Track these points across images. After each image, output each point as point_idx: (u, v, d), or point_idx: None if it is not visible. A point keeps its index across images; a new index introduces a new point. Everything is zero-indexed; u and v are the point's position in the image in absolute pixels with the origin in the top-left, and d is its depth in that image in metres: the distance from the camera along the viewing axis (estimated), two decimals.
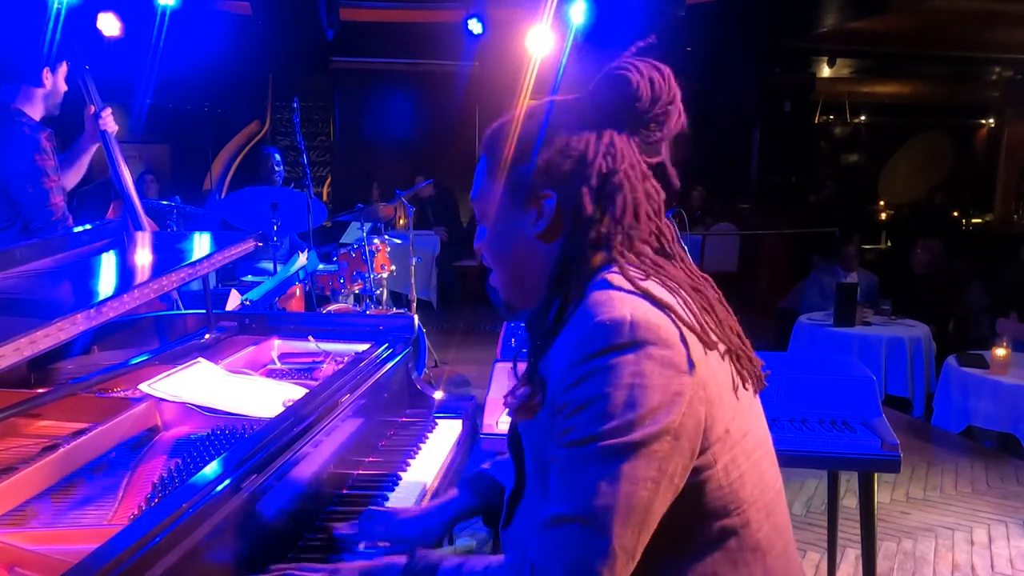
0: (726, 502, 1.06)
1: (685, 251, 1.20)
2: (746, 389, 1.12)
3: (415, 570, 1.12)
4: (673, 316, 1.04)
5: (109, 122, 3.03)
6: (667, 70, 1.13)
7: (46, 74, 2.87)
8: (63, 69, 2.93)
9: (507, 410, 1.17)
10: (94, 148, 3.11)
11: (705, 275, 1.19)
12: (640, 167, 1.13)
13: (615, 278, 1.07)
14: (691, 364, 1.01)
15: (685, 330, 1.04)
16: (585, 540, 0.98)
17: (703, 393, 1.02)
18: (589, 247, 1.10)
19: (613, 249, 1.10)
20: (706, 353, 1.05)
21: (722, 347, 1.09)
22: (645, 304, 1.03)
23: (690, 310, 1.08)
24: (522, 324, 1.20)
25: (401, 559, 1.16)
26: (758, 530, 1.09)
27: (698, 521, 1.06)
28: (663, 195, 1.17)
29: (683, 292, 1.10)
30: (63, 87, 2.96)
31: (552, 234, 1.14)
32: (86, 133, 3.05)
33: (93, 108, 3.00)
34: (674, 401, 0.99)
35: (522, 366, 1.17)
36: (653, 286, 1.07)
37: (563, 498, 1.01)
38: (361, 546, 1.42)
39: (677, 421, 0.99)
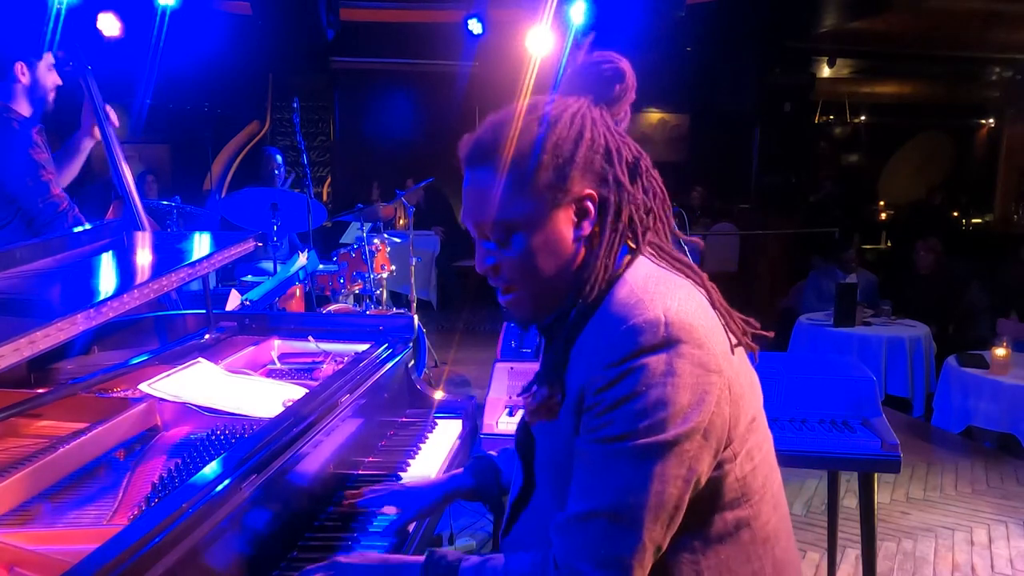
0: (739, 493, 1.08)
1: (685, 251, 1.22)
2: (754, 361, 1.15)
3: (435, 568, 1.13)
4: (703, 298, 1.08)
5: (111, 118, 3.00)
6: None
7: (20, 69, 2.81)
8: (46, 61, 2.86)
9: (522, 411, 1.17)
10: (90, 146, 3.09)
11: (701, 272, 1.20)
12: (646, 157, 1.13)
13: (637, 270, 1.08)
14: (719, 363, 1.02)
15: (713, 327, 1.05)
16: (616, 535, 0.99)
17: (728, 393, 1.03)
18: (620, 240, 1.09)
19: (640, 238, 1.11)
20: (731, 349, 1.07)
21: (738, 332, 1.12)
22: (676, 300, 1.03)
23: (709, 293, 1.11)
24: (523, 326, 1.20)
25: (419, 558, 1.16)
26: (767, 522, 1.11)
27: (713, 513, 1.07)
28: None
29: (703, 281, 1.13)
30: (49, 80, 2.88)
31: (593, 233, 1.10)
32: (81, 130, 3.03)
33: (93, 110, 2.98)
34: (703, 400, 1.00)
35: (520, 366, 1.18)
36: (674, 272, 1.10)
37: (591, 494, 1.01)
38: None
39: (707, 420, 1.00)
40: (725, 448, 1.05)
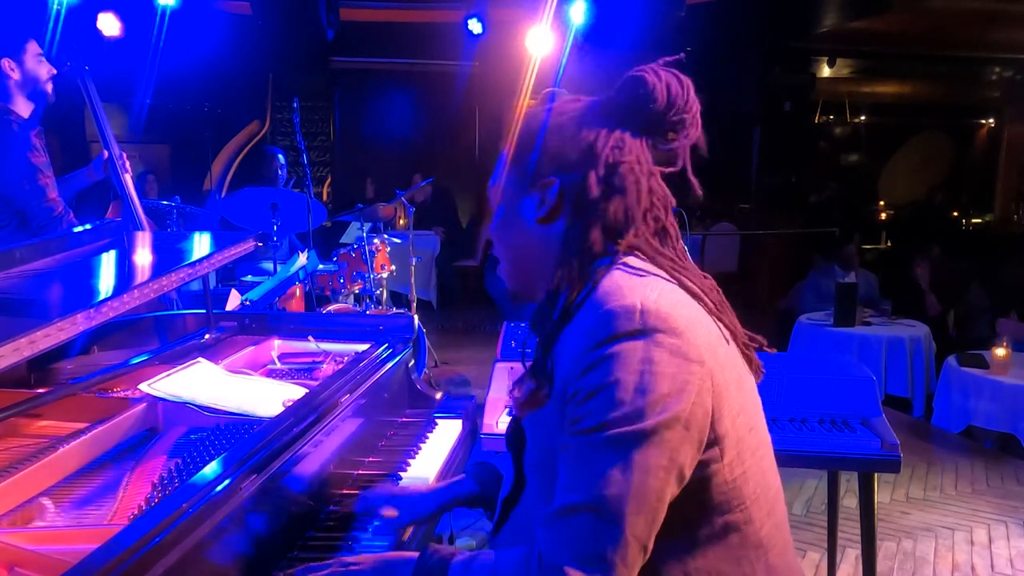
0: (729, 497, 1.06)
1: (686, 252, 1.21)
2: (755, 377, 1.16)
3: (427, 564, 1.13)
4: (691, 299, 1.07)
5: (127, 166, 3.00)
6: (688, 81, 1.15)
7: (8, 65, 2.79)
8: (31, 52, 2.82)
9: (509, 407, 1.18)
10: (91, 182, 3.09)
11: (706, 275, 1.19)
12: (647, 164, 1.14)
13: (622, 267, 1.08)
14: (700, 354, 1.01)
15: (695, 320, 1.04)
16: (597, 528, 0.97)
17: (710, 384, 1.02)
18: (592, 234, 1.11)
19: (618, 239, 1.11)
20: (715, 346, 1.06)
21: (732, 335, 1.12)
22: (656, 293, 1.04)
23: (703, 300, 1.10)
24: (525, 323, 1.21)
25: (413, 554, 1.16)
26: (760, 528, 1.09)
27: (701, 516, 1.06)
28: (670, 198, 1.17)
29: (693, 282, 1.12)
30: (43, 71, 2.84)
31: (553, 219, 1.15)
32: (89, 169, 3.02)
33: (107, 153, 2.97)
34: (684, 389, 0.99)
35: (519, 364, 1.18)
36: (663, 274, 1.09)
37: (573, 487, 1.00)
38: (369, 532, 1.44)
39: (687, 410, 0.99)
40: (709, 447, 1.03)
